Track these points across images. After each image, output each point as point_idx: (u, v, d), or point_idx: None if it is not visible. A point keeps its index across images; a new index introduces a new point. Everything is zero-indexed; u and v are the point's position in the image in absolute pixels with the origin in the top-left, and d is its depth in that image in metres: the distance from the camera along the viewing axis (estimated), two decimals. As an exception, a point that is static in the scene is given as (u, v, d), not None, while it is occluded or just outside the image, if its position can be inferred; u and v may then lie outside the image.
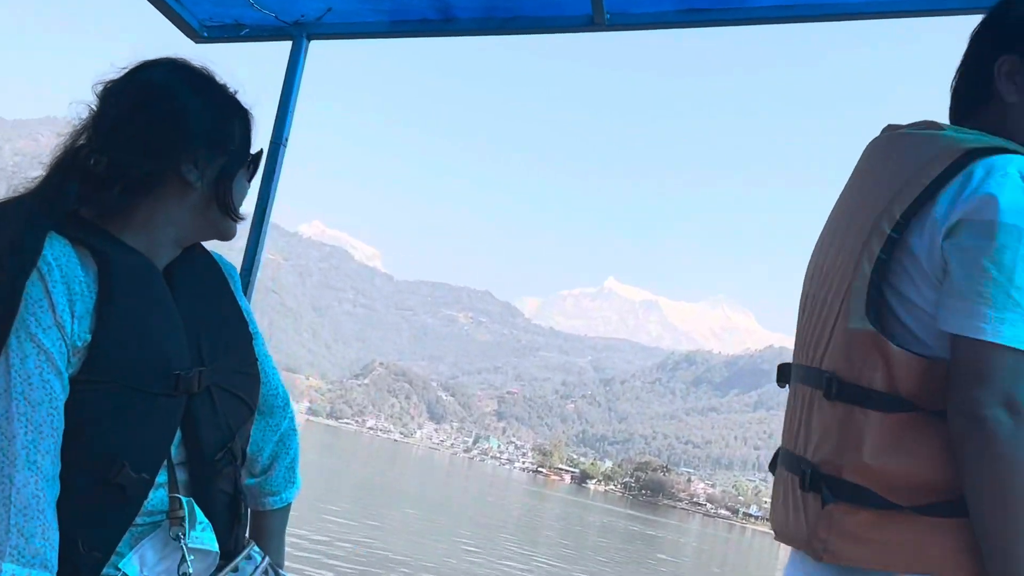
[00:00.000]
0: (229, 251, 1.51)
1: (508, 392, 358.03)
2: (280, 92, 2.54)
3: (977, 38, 1.44)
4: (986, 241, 1.21)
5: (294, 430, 1.57)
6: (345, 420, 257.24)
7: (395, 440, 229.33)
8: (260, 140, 1.40)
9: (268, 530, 1.54)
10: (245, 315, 1.44)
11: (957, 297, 1.23)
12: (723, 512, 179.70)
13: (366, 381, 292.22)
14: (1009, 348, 1.18)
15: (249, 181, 1.41)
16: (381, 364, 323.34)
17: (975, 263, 1.22)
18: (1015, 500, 1.16)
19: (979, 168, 1.25)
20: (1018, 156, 1.26)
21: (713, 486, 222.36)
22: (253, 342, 1.43)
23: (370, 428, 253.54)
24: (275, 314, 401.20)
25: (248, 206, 1.41)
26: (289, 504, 1.57)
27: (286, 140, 2.51)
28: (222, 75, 1.39)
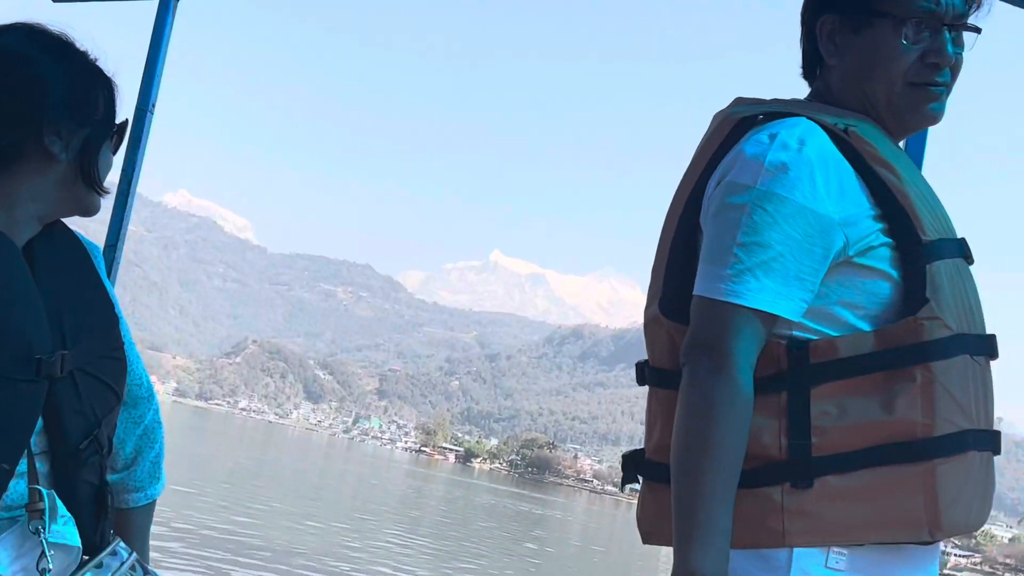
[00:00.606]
0: (89, 224, 1.45)
1: (390, 369, 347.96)
2: (147, 54, 2.38)
3: None
4: (720, 204, 1.26)
5: (159, 423, 1.49)
6: (215, 401, 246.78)
7: (270, 422, 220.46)
8: (125, 107, 1.33)
9: (132, 528, 1.47)
10: (110, 297, 1.39)
11: (700, 262, 1.28)
12: (610, 488, 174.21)
13: (238, 360, 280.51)
14: (721, 301, 1.21)
15: (114, 152, 1.37)
16: (254, 342, 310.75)
17: (711, 227, 1.27)
18: (699, 445, 1.16)
19: (744, 138, 1.30)
20: (793, 119, 1.27)
21: (600, 462, 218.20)
22: (118, 326, 1.38)
23: (243, 409, 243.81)
24: (138, 290, 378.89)
25: (112, 177, 1.35)
26: (154, 501, 1.50)
27: (153, 106, 2.38)
28: (82, 40, 1.32)
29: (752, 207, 1.21)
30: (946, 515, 1.18)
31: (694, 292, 1.25)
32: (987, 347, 1.25)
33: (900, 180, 1.24)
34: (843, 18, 1.32)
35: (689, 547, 1.13)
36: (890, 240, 1.22)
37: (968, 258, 1.27)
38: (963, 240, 1.27)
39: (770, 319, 1.19)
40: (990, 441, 1.23)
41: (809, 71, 1.41)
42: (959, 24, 1.31)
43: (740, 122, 1.30)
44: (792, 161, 1.21)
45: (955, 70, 1.33)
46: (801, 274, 1.20)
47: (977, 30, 1.33)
